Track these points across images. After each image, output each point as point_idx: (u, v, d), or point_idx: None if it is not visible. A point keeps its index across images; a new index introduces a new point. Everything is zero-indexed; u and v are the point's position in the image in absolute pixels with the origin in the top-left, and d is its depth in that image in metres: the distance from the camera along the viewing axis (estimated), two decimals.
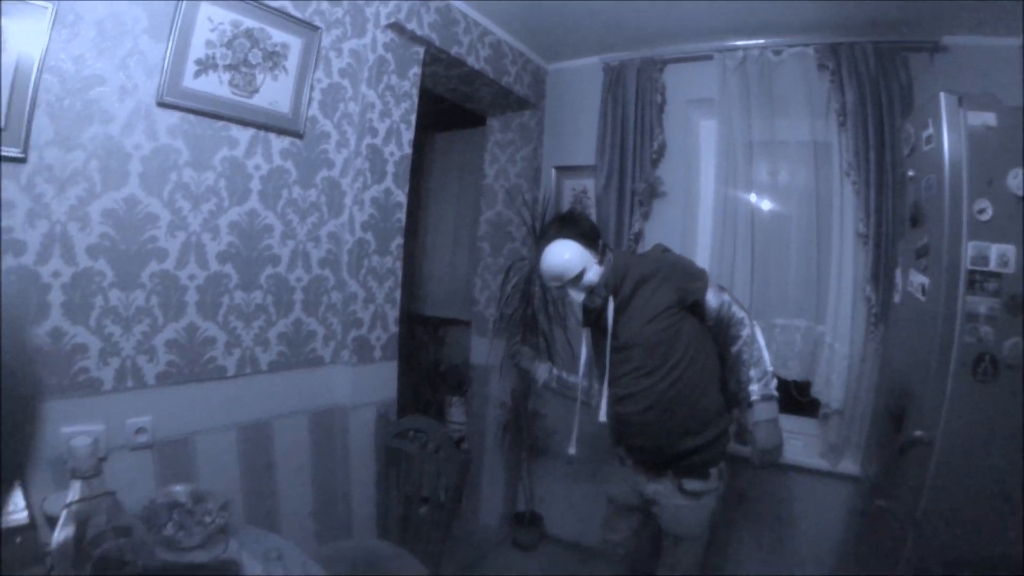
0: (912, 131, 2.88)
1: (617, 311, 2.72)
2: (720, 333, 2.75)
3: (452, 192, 5.76)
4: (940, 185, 2.58)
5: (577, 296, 2.71)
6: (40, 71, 2.11)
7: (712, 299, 2.71)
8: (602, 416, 2.78)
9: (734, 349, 2.72)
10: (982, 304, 2.49)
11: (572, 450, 2.96)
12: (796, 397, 3.75)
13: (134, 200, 2.41)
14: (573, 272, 2.66)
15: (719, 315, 2.71)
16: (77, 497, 1.40)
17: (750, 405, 2.69)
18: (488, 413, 4.82)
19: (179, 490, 2.30)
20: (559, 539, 4.70)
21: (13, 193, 2.09)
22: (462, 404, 5.14)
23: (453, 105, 4.70)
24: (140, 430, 2.45)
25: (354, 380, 3.28)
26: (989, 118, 2.53)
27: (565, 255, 2.67)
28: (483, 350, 4.82)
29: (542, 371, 3.15)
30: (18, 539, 1.88)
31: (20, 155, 2.10)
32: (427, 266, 5.90)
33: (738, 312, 2.73)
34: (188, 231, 2.59)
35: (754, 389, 2.67)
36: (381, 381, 3.47)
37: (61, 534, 1.42)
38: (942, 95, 2.60)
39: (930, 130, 2.67)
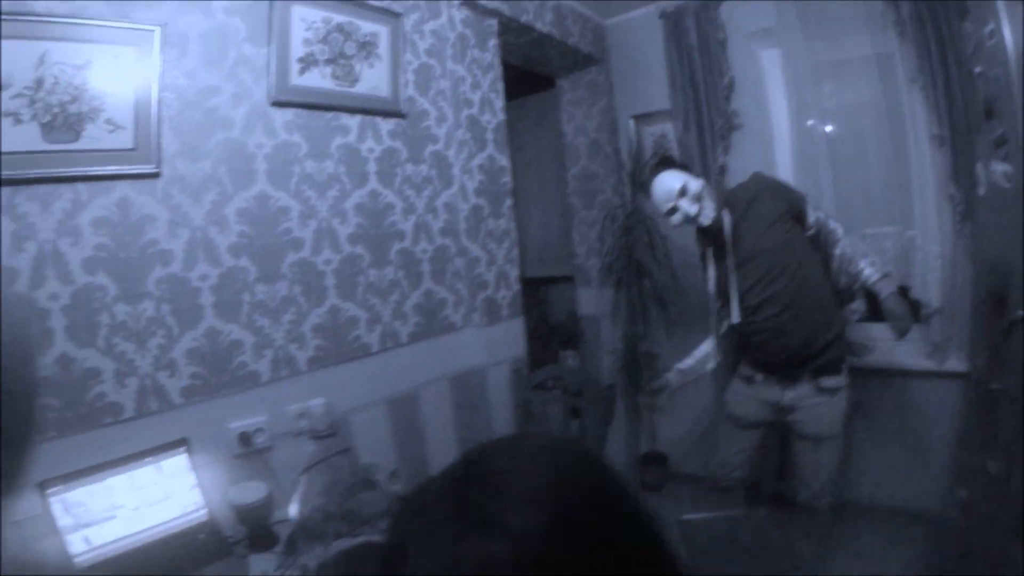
0: (973, 30, 2.73)
1: (734, 228, 2.72)
2: (820, 241, 2.78)
3: (531, 156, 5.60)
4: (1008, 76, 2.37)
5: (691, 207, 2.66)
6: (159, 89, 2.08)
7: (811, 213, 2.76)
8: (735, 317, 2.73)
9: (837, 251, 2.75)
10: None
11: (712, 364, 2.92)
12: None
13: (264, 196, 2.37)
14: (678, 186, 2.67)
15: (818, 225, 2.76)
16: (315, 458, 1.31)
17: (872, 287, 2.70)
18: (603, 361, 4.70)
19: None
20: (686, 475, 4.47)
21: (152, 208, 2.09)
22: (576, 357, 4.97)
23: (517, 74, 4.51)
24: (301, 414, 2.37)
25: (486, 340, 3.21)
26: None
27: (667, 178, 2.71)
28: (590, 301, 4.74)
29: (674, 380, 3.02)
30: (201, 536, 1.94)
31: (154, 170, 2.08)
32: (520, 230, 5.72)
33: (832, 222, 2.79)
34: (318, 218, 2.55)
35: (870, 272, 2.69)
36: (511, 338, 3.40)
37: (308, 491, 1.33)
38: None
39: (991, 25, 2.47)
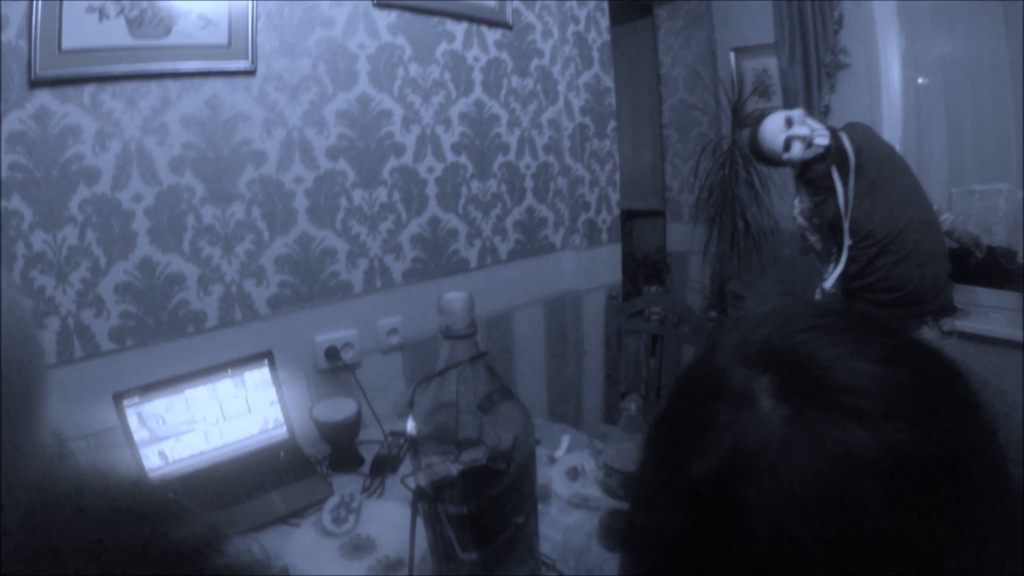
0: None
1: (856, 153, 2.37)
2: None
3: (625, 86, 5.11)
4: None
5: (803, 129, 2.33)
6: None
7: None
8: (848, 240, 2.43)
9: None
10: None
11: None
12: (1003, 264, 3.12)
13: (366, 98, 2.03)
14: (781, 120, 2.38)
15: None
16: (449, 360, 0.97)
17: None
18: (689, 299, 4.31)
19: None
20: None
21: (246, 105, 1.79)
22: (661, 292, 4.60)
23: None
24: (392, 331, 2.13)
25: (585, 264, 2.82)
26: None
27: (769, 120, 2.45)
28: (679, 236, 4.39)
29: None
30: (281, 453, 1.71)
31: (250, 68, 1.78)
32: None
33: None
34: (422, 124, 2.19)
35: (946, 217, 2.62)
36: (609, 264, 2.99)
37: (435, 398, 1.00)
38: None
39: None
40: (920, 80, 3.32)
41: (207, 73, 1.70)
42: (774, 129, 2.39)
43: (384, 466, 1.63)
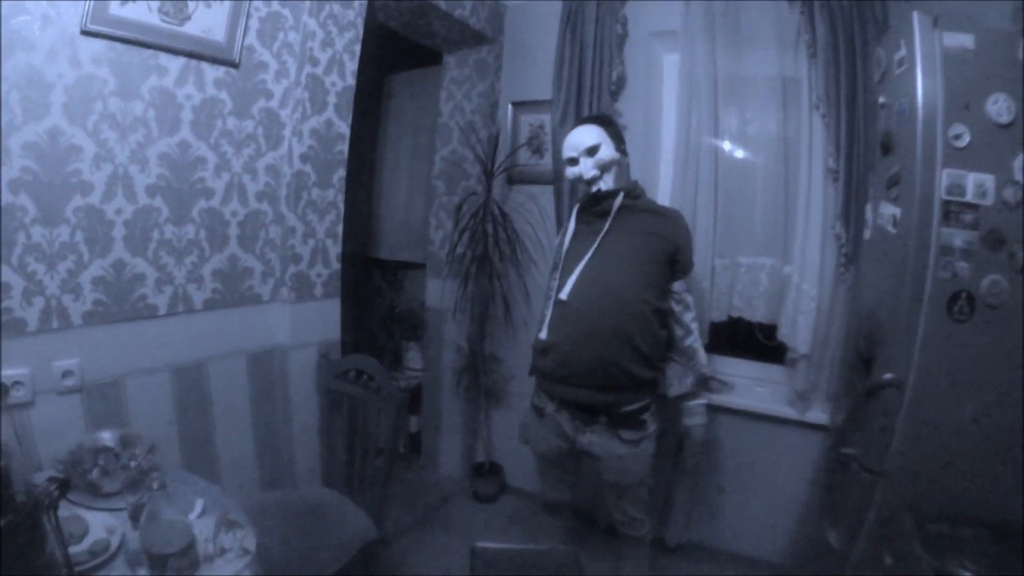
0: (883, 55, 2.76)
1: (618, 215, 2.77)
2: (673, 302, 2.84)
3: (408, 132, 5.62)
4: (913, 110, 2.43)
5: (588, 170, 2.75)
6: None
7: (684, 280, 2.85)
8: (564, 294, 2.72)
9: (687, 317, 2.89)
10: (958, 237, 2.35)
11: (543, 335, 2.81)
12: (761, 340, 3.70)
13: (57, 131, 2.29)
14: (590, 142, 2.74)
15: (681, 291, 2.84)
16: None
17: (695, 389, 2.96)
18: (444, 358, 4.81)
19: (106, 435, 2.31)
20: (520, 490, 4.67)
21: None
22: (419, 349, 5.06)
23: (412, 44, 4.59)
24: (67, 373, 2.40)
25: (294, 319, 3.27)
26: (966, 40, 2.37)
27: (587, 129, 2.78)
28: (438, 292, 4.79)
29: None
30: None
31: None
32: (383, 208, 5.80)
33: (688, 296, 2.88)
34: (115, 163, 2.49)
35: (704, 366, 2.96)
36: (323, 320, 3.45)
37: None
38: (915, 14, 2.43)
39: (903, 52, 2.53)
40: (697, 147, 3.71)
41: None
42: (580, 141, 2.75)
43: None
